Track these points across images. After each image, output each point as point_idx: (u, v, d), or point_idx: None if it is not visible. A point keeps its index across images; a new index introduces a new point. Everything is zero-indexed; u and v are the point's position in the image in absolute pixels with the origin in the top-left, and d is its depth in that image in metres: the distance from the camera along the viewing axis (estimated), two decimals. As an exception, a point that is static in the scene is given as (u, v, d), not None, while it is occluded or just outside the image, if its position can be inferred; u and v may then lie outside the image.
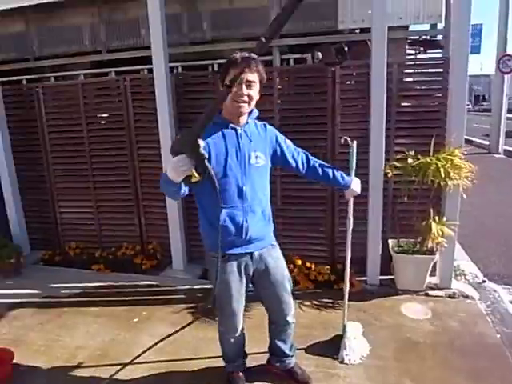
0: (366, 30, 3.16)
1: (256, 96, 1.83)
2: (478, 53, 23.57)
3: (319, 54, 3.52)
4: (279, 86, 3.44)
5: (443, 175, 2.86)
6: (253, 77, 1.78)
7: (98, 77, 4.11)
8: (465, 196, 3.29)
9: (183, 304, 3.19)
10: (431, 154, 3.03)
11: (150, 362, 2.49)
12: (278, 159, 2.03)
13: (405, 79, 3.30)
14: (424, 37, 3.78)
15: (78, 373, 2.42)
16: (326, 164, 2.16)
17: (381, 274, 3.47)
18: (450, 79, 3.05)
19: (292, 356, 2.29)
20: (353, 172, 2.30)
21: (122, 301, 3.29)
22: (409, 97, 3.30)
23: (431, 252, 3.22)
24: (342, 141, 2.41)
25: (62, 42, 4.13)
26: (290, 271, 3.39)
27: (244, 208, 1.85)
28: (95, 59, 4.08)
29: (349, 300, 2.92)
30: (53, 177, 4.20)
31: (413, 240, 3.34)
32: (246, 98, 1.77)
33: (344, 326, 2.63)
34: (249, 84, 1.77)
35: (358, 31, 3.54)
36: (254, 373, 2.33)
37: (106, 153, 3.98)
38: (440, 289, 3.34)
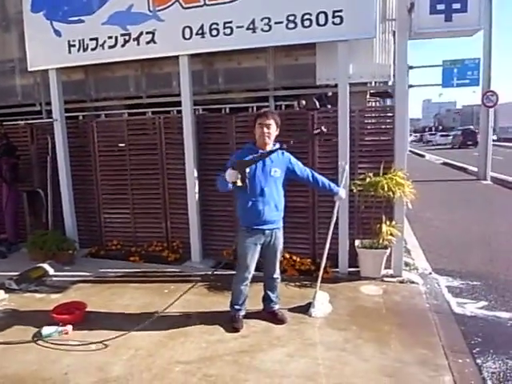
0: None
1: (273, 132, 3.19)
2: (477, 85, 24.80)
3: (303, 101, 4.75)
4: (273, 125, 4.66)
5: (386, 189, 4.01)
6: (270, 121, 3.13)
7: (137, 115, 5.45)
8: (410, 206, 4.44)
9: (200, 283, 4.31)
10: (381, 174, 4.20)
11: (181, 312, 3.60)
12: (291, 173, 3.33)
13: (365, 121, 4.50)
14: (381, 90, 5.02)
15: (129, 317, 3.54)
16: (324, 178, 3.44)
17: (350, 267, 4.55)
18: (394, 122, 4.24)
19: (277, 303, 3.47)
20: (341, 184, 3.58)
21: (155, 280, 4.43)
22: (368, 134, 4.50)
23: (385, 247, 4.32)
24: (339, 164, 3.81)
25: (112, 88, 5.43)
26: (281, 262, 4.56)
27: (263, 201, 3.11)
28: (137, 102, 5.38)
29: (322, 282, 4.05)
30: (100, 190, 5.45)
31: (372, 240, 4.44)
32: (266, 134, 3.15)
33: (315, 293, 3.72)
34: (267, 126, 3.09)
35: (333, 85, 4.76)
36: (252, 315, 3.48)
37: (143, 172, 5.23)
38: (394, 277, 4.41)
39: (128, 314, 3.62)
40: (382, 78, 4.50)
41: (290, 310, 3.65)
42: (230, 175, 2.93)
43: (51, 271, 4.69)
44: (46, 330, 3.25)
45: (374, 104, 5.32)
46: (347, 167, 3.63)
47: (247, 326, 3.34)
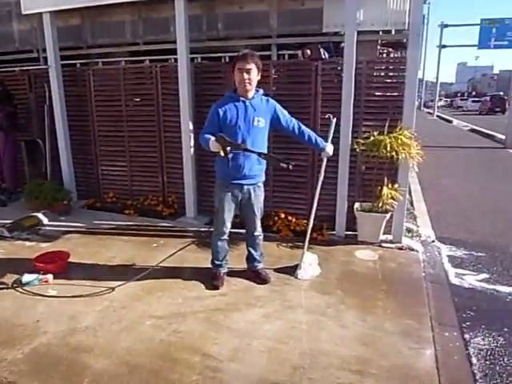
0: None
1: (255, 78, 2.87)
2: (514, 48, 23.04)
3: (308, 51, 4.36)
4: (275, 76, 4.34)
5: (389, 149, 3.70)
6: (250, 66, 2.81)
7: (135, 64, 5.19)
8: (416, 169, 4.13)
9: (191, 239, 4.20)
10: (385, 133, 3.87)
11: (164, 267, 3.53)
12: (275, 123, 3.06)
13: (373, 74, 4.11)
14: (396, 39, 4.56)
15: (111, 269, 3.50)
16: (311, 132, 3.16)
17: (349, 230, 4.34)
18: (405, 75, 3.85)
19: (260, 262, 3.34)
20: (329, 140, 3.28)
21: (146, 234, 4.36)
22: (376, 88, 4.12)
23: (385, 211, 4.07)
24: (327, 116, 3.48)
25: (109, 34, 5.18)
26: (275, 223, 4.40)
27: (244, 154, 2.85)
28: (134, 49, 5.11)
29: (316, 245, 3.88)
30: (97, 141, 5.32)
31: (372, 203, 4.19)
32: (247, 81, 2.83)
33: (302, 254, 3.55)
34: (248, 71, 2.78)
35: (342, 33, 4.35)
36: (235, 273, 3.38)
37: (139, 124, 5.04)
38: (393, 243, 4.17)
39: (111, 265, 3.57)
40: (395, 25, 4.06)
41: (277, 270, 3.51)
42: (213, 146, 2.75)
43: (45, 220, 4.68)
44: (26, 278, 3.23)
45: (385, 55, 4.85)
46: (334, 120, 3.35)
47: (228, 284, 3.23)
